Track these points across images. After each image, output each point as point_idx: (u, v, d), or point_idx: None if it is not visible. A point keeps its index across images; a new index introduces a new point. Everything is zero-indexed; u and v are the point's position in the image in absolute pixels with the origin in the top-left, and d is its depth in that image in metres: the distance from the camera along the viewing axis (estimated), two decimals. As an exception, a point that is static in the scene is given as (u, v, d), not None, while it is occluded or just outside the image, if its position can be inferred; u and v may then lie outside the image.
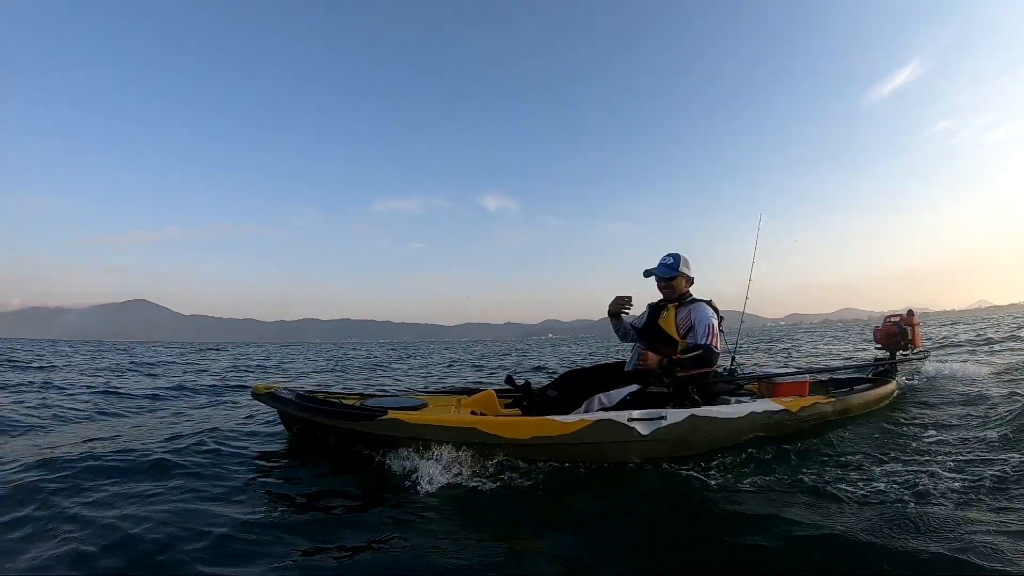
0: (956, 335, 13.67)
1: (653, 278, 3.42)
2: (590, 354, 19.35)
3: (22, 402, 5.34)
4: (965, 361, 6.33)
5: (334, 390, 3.85)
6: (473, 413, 3.04)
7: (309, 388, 3.64)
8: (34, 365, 11.58)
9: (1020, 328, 14.37)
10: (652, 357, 3.09)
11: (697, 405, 3.12)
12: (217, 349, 29.38)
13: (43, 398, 5.71)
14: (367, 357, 20.19)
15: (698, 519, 2.17)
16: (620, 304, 3.32)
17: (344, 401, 3.36)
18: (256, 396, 3.18)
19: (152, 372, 10.59)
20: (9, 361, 12.43)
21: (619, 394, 3.04)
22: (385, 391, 4.00)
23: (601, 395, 3.04)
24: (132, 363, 13.57)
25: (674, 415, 2.94)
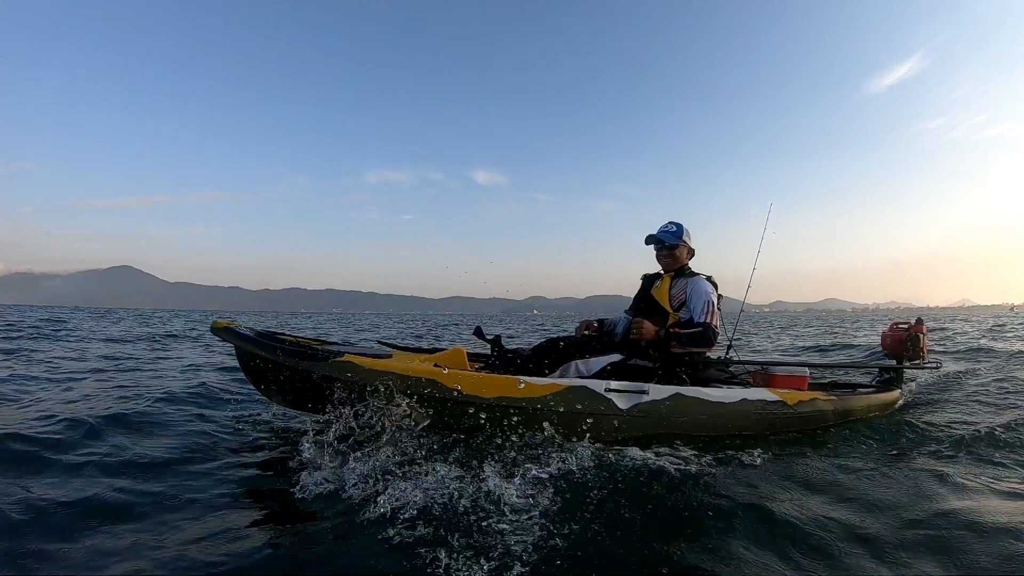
0: (967, 332, 13.16)
1: (649, 250, 3.24)
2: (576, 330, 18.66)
3: (139, 395, 3.96)
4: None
5: (305, 336, 3.62)
6: (437, 367, 2.72)
7: (274, 330, 3.41)
8: (64, 336, 10.25)
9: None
10: (649, 327, 2.85)
11: (685, 384, 2.88)
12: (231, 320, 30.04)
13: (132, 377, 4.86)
14: (407, 327, 19.75)
15: (672, 514, 1.94)
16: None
17: (313, 346, 3.08)
18: (214, 331, 2.87)
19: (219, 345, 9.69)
20: (12, 328, 11.21)
21: (599, 362, 2.83)
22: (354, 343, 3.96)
23: (579, 361, 2.84)
24: (168, 334, 12.39)
25: (658, 391, 2.73)
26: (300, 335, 3.52)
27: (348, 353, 2.66)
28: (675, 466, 2.32)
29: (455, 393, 2.53)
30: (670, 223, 3.19)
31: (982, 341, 9.51)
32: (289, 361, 2.60)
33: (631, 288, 3.44)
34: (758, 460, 2.48)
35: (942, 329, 14.00)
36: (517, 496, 1.91)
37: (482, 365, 3.27)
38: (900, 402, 4.01)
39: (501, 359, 3.08)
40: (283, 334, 3.31)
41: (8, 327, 11.92)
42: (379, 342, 3.81)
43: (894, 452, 2.79)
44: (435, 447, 2.37)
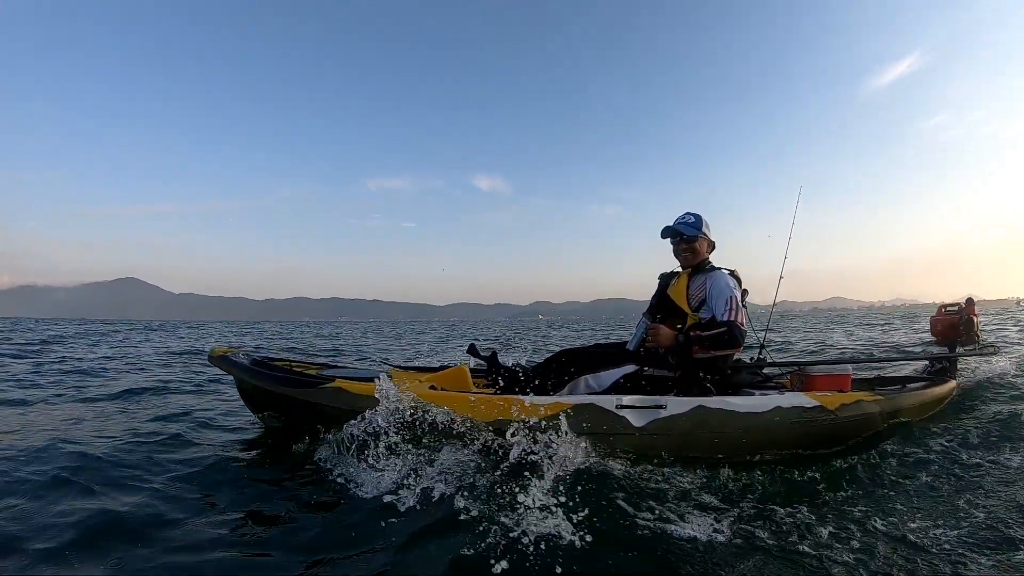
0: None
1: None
2: (586, 333, 18.43)
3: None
4: None
5: (303, 360, 3.42)
6: (433, 388, 2.56)
7: (273, 355, 3.25)
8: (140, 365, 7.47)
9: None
10: (665, 332, 2.58)
11: (709, 394, 2.54)
12: (253, 329, 28.49)
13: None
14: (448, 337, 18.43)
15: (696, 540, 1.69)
16: None
17: (307, 371, 2.95)
18: (211, 360, 2.89)
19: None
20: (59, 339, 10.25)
21: (610, 376, 2.55)
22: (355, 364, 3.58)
23: (589, 376, 2.56)
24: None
25: (676, 404, 2.42)
26: (298, 359, 3.44)
27: (339, 378, 2.60)
28: (692, 480, 2.18)
29: (449, 417, 2.39)
30: (687, 214, 2.90)
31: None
32: (280, 389, 2.63)
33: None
34: (787, 469, 2.30)
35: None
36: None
37: (487, 383, 3.05)
38: (955, 394, 3.57)
39: (503, 377, 2.83)
40: (279, 360, 3.24)
41: (52, 338, 11.43)
42: (382, 361, 3.71)
43: (951, 458, 2.48)
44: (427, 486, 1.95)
